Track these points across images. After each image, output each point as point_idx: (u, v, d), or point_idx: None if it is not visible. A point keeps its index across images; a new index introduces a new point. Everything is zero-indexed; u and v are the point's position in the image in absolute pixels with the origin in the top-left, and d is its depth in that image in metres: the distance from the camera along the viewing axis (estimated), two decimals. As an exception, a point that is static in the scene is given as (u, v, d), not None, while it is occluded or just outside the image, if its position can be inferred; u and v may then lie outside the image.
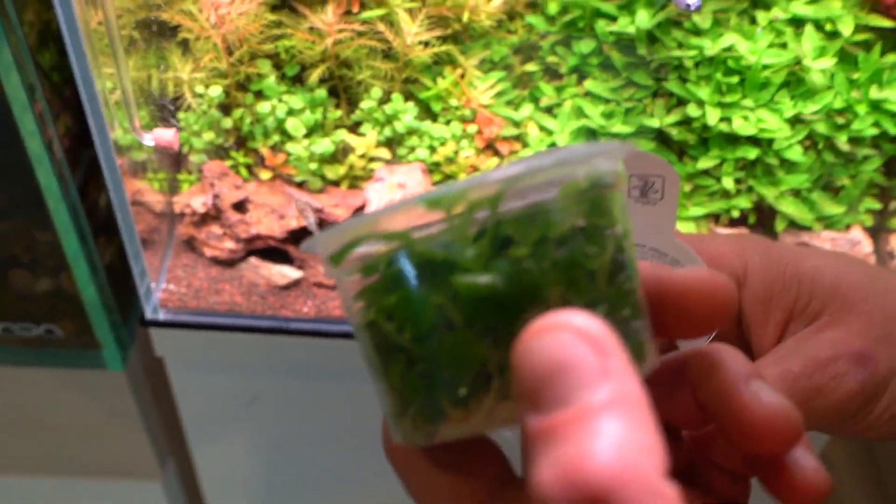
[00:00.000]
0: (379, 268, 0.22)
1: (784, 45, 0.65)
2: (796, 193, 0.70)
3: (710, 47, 0.64)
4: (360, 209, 0.66)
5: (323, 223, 0.66)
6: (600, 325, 0.19)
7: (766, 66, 0.65)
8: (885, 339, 0.38)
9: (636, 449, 0.17)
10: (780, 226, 0.71)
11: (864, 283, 0.39)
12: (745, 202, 0.69)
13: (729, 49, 0.65)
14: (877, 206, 0.71)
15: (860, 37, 0.65)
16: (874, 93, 0.65)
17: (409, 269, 0.21)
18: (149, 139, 0.61)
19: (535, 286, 0.21)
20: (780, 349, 0.36)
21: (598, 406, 0.18)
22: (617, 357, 0.18)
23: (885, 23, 0.64)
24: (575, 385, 0.18)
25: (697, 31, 0.65)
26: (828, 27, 0.66)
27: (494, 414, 0.21)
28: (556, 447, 0.17)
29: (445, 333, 0.21)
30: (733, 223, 0.71)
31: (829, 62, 0.65)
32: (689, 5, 0.54)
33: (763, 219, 0.72)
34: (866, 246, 0.71)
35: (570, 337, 0.18)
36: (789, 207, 0.69)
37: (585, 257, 0.22)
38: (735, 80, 0.65)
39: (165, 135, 0.60)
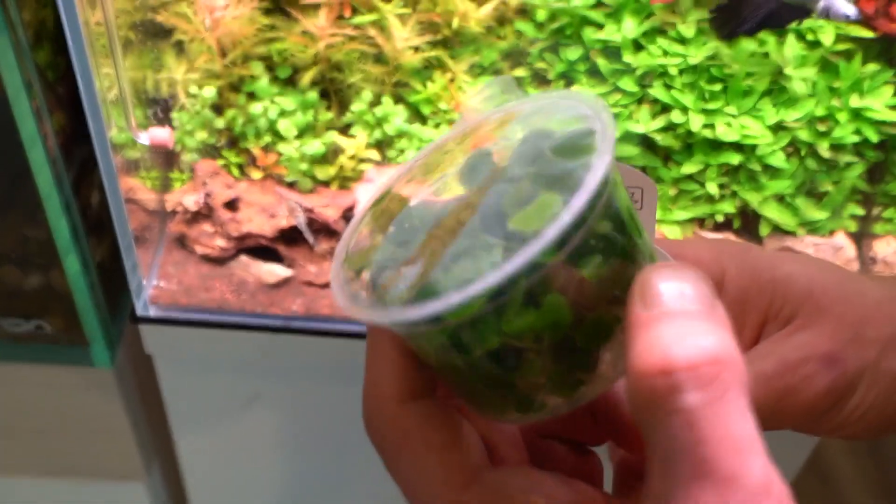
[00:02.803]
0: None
1: (766, 55, 0.71)
2: (780, 199, 0.76)
3: (694, 56, 0.70)
4: (350, 209, 0.71)
5: (312, 223, 0.71)
6: (706, 287, 0.25)
7: (748, 75, 0.71)
8: (854, 340, 0.42)
9: (722, 343, 0.23)
10: (764, 230, 0.76)
11: (835, 286, 0.44)
12: (729, 207, 0.75)
13: (712, 57, 0.70)
14: (860, 211, 0.77)
15: (841, 46, 0.71)
16: (855, 101, 0.71)
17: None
18: (144, 138, 0.66)
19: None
20: (755, 351, 0.40)
21: (697, 313, 0.24)
22: (719, 306, 0.25)
23: (865, 33, 0.70)
24: (682, 298, 0.24)
25: (682, 40, 0.71)
26: (809, 37, 0.72)
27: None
28: (655, 329, 0.24)
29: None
30: (718, 227, 0.76)
31: (810, 71, 0.71)
32: (848, 16, 0.59)
33: (748, 223, 0.77)
34: (850, 251, 0.77)
35: (690, 280, 0.25)
36: (773, 212, 0.75)
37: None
38: (718, 87, 0.71)
39: (161, 134, 0.65)
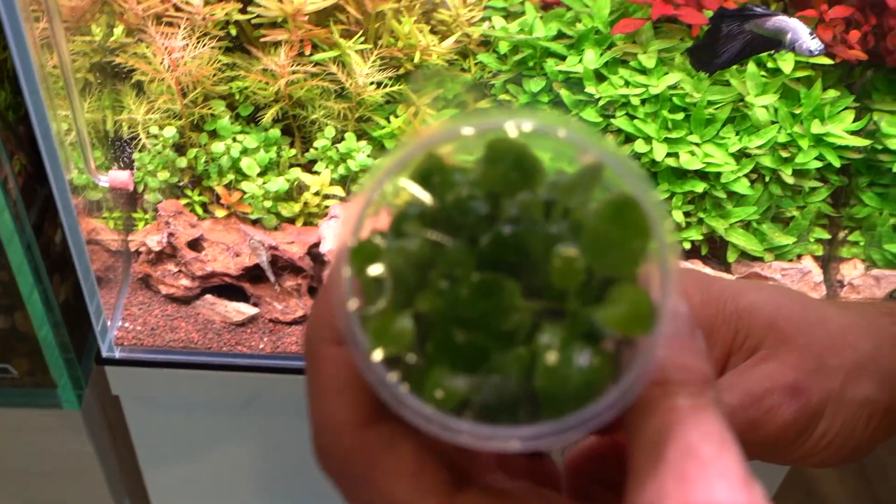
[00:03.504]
0: None
1: (727, 83, 0.71)
2: (746, 225, 0.75)
3: (656, 85, 0.70)
4: (316, 245, 0.70)
5: (277, 260, 0.70)
6: (688, 311, 0.28)
7: (710, 103, 0.71)
8: (818, 370, 0.42)
9: (707, 366, 0.27)
10: (731, 257, 0.76)
11: (798, 316, 0.43)
12: (695, 234, 0.75)
13: (674, 87, 0.70)
14: (826, 236, 0.77)
15: (801, 73, 0.71)
16: (816, 127, 0.71)
17: None
18: (104, 180, 0.65)
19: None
20: (720, 383, 0.40)
21: (683, 336, 0.28)
22: (698, 331, 0.29)
23: (825, 60, 0.70)
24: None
25: (643, 70, 0.71)
26: (769, 65, 0.72)
27: None
28: None
29: None
30: (686, 255, 0.76)
31: (771, 98, 0.71)
32: (811, 51, 0.60)
33: (715, 250, 0.77)
34: (817, 275, 0.77)
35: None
36: (739, 239, 0.75)
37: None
38: (680, 116, 0.71)
39: (120, 176, 0.65)
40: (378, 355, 0.24)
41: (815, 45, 0.60)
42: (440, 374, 0.24)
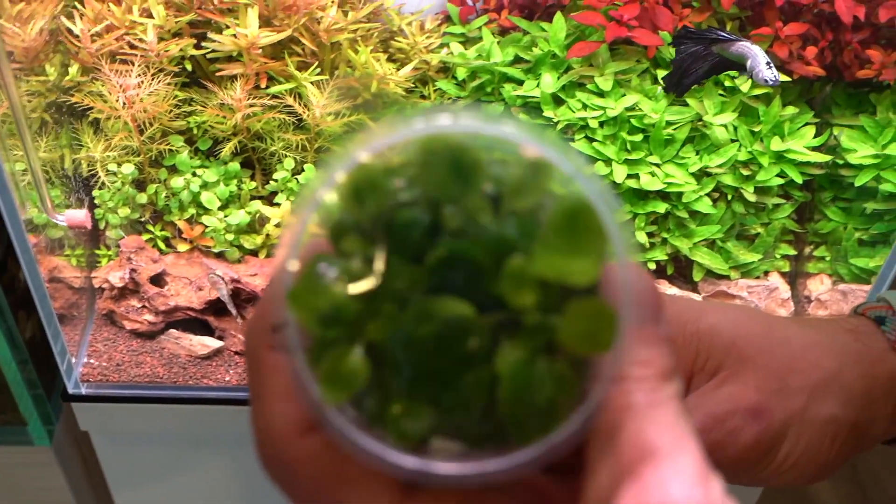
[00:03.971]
0: None
1: (685, 103, 0.71)
2: (711, 244, 0.75)
3: (614, 107, 0.70)
4: (279, 277, 0.70)
5: (240, 293, 0.70)
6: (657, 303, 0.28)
7: (668, 123, 0.70)
8: (780, 391, 0.42)
9: (668, 361, 0.26)
10: (697, 276, 0.76)
11: (760, 336, 0.43)
12: (660, 254, 0.74)
13: (632, 108, 0.70)
14: (792, 252, 0.77)
15: (759, 91, 0.71)
16: (777, 144, 0.71)
17: None
18: (61, 219, 0.65)
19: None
20: None
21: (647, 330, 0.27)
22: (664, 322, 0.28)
23: (782, 77, 0.69)
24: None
25: (600, 93, 0.71)
26: (727, 83, 0.72)
27: None
28: None
29: None
30: (652, 276, 0.76)
31: (729, 117, 0.71)
32: (766, 81, 0.60)
33: (681, 269, 0.77)
34: (784, 292, 0.76)
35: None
36: (704, 258, 0.74)
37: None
38: (639, 137, 0.70)
39: (77, 215, 0.64)
40: (332, 403, 0.23)
41: (770, 75, 0.61)
42: (400, 410, 0.23)
